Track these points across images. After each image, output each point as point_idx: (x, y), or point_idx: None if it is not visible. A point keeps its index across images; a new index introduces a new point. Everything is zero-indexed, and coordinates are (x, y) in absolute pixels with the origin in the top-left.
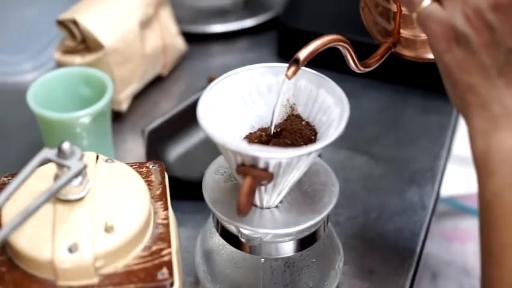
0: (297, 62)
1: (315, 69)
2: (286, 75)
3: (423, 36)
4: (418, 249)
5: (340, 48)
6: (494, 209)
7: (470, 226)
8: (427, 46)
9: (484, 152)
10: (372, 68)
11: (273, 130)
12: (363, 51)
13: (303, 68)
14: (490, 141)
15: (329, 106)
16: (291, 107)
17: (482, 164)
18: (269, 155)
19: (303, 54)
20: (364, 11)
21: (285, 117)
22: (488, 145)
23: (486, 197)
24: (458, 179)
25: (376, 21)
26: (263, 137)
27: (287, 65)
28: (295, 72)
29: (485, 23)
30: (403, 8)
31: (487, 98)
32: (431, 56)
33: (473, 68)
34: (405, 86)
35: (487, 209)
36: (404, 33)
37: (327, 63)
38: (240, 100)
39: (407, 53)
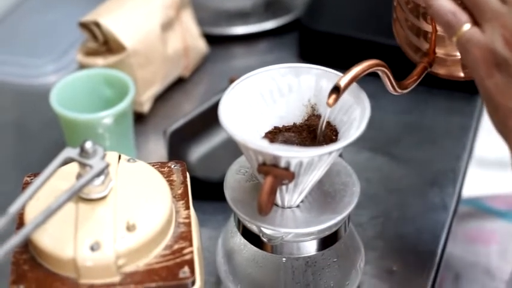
0: (337, 90)
1: (336, 70)
2: (328, 103)
3: (455, 55)
4: (440, 250)
5: (380, 72)
6: None
7: (495, 227)
8: (459, 65)
9: None
10: (409, 89)
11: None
12: (386, 53)
13: (324, 68)
14: None
15: (350, 106)
16: (312, 107)
17: None
18: (290, 154)
19: (343, 81)
20: (396, 26)
21: (306, 118)
22: None
23: None
24: (482, 180)
25: (409, 38)
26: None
27: (308, 65)
28: (336, 100)
29: None
30: (438, 28)
31: None
32: (462, 74)
33: None
34: (427, 87)
35: None
36: (438, 52)
37: (347, 63)
38: (261, 100)
39: (440, 71)
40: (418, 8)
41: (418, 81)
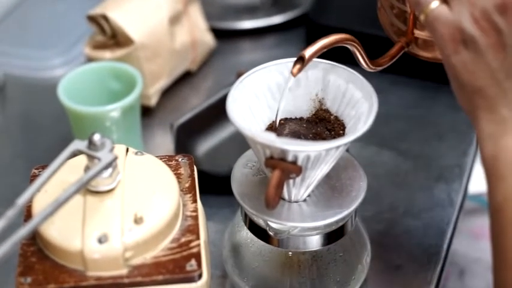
0: (302, 60)
1: (343, 65)
2: (292, 72)
3: None
4: (445, 245)
5: (349, 47)
6: (505, 214)
7: None
8: None
9: (493, 156)
10: (383, 67)
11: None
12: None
13: (331, 62)
14: (499, 145)
15: (358, 100)
16: (319, 101)
17: (491, 168)
18: (298, 148)
19: (308, 52)
20: (380, 11)
21: (313, 112)
22: (497, 149)
23: (497, 202)
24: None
25: (392, 22)
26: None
27: (316, 59)
28: (300, 70)
29: (492, 25)
30: None
31: (495, 101)
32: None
33: (480, 70)
34: (433, 82)
35: (498, 214)
36: (421, 34)
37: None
38: (269, 94)
39: (424, 53)
40: None
41: (393, 61)
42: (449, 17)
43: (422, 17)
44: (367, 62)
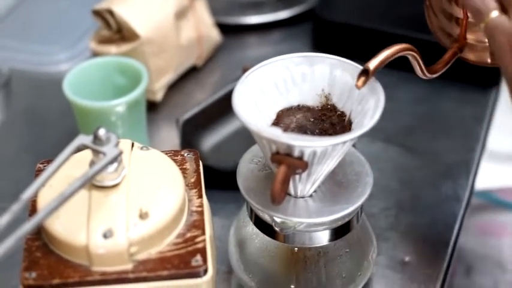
0: (366, 73)
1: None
2: (356, 85)
3: (485, 41)
4: (452, 242)
5: (409, 57)
6: None
7: (507, 220)
8: (488, 51)
9: None
10: (439, 73)
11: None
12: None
13: (338, 57)
14: None
15: (364, 96)
16: (325, 96)
17: None
18: (304, 144)
19: (373, 64)
20: (428, 13)
21: (319, 107)
22: None
23: None
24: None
25: (441, 24)
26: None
27: (322, 54)
28: (365, 82)
29: None
30: (468, 14)
31: None
32: (489, 60)
33: None
34: (440, 78)
35: None
36: (469, 37)
37: (362, 54)
38: (275, 89)
39: (470, 56)
40: None
41: (447, 66)
42: (508, 27)
43: (481, 25)
44: (424, 70)
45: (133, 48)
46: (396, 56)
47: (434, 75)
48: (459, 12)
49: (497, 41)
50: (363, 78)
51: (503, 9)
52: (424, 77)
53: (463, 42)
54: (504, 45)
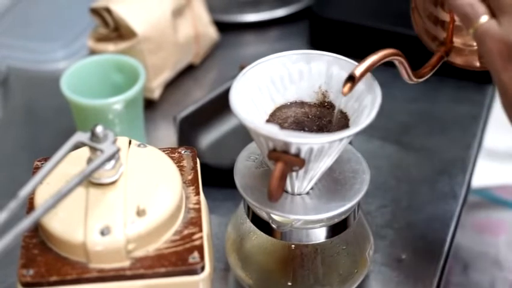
0: (352, 79)
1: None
2: (343, 92)
3: (473, 45)
4: (449, 239)
5: (396, 62)
6: None
7: (503, 218)
8: (476, 54)
9: None
10: (425, 78)
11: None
12: (397, 42)
13: (335, 55)
14: None
15: (361, 93)
16: (322, 94)
17: None
18: (301, 141)
19: (359, 70)
20: (414, 14)
21: (316, 104)
22: None
23: None
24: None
25: (427, 27)
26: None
27: (319, 52)
28: (351, 89)
29: None
30: (456, 18)
31: None
32: (478, 64)
33: None
34: (437, 76)
35: None
36: (455, 41)
37: (358, 52)
38: (272, 86)
39: (457, 60)
40: None
41: (434, 70)
42: (497, 32)
43: (470, 31)
44: (411, 75)
45: (131, 46)
46: (383, 61)
47: (421, 80)
48: (445, 16)
49: (487, 46)
50: (349, 85)
51: (493, 14)
52: (410, 82)
53: (449, 46)
54: (493, 51)
